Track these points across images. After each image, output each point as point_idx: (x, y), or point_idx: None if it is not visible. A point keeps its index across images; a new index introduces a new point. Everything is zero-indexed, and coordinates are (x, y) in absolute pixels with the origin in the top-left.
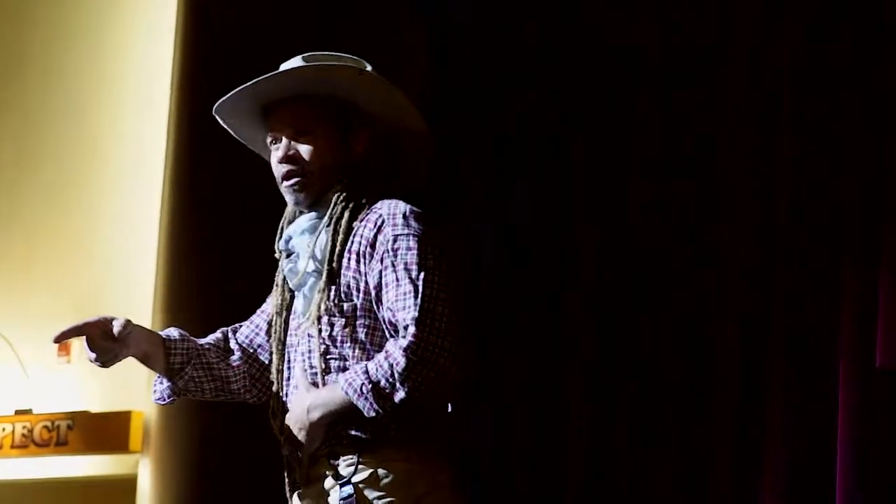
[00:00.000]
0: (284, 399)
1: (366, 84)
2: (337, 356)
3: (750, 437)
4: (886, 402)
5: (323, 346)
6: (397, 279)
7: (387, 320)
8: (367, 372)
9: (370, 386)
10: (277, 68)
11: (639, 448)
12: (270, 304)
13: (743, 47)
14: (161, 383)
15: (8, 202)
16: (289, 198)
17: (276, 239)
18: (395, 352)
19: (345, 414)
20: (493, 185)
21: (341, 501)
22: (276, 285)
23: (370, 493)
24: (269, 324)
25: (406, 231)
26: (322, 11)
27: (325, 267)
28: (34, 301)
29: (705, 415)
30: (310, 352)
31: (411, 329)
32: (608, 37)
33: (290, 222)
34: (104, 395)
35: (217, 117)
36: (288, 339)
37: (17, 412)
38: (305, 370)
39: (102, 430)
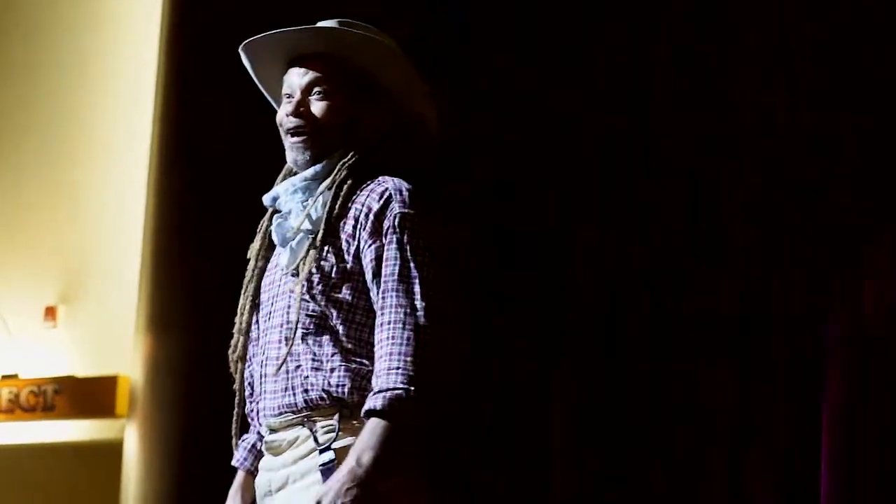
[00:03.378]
0: (260, 356)
1: (395, 62)
2: (318, 315)
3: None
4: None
5: (304, 303)
6: (399, 259)
7: (380, 291)
8: (386, 388)
9: (402, 393)
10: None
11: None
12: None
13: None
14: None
15: None
16: (290, 153)
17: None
18: (398, 345)
19: (392, 439)
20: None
21: (321, 467)
22: (258, 231)
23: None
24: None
25: (413, 212)
26: None
27: (322, 226)
28: (19, 266)
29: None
30: (289, 307)
31: (420, 315)
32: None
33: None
34: (90, 359)
35: (242, 54)
36: (262, 293)
37: (4, 377)
38: (282, 325)
39: (89, 395)
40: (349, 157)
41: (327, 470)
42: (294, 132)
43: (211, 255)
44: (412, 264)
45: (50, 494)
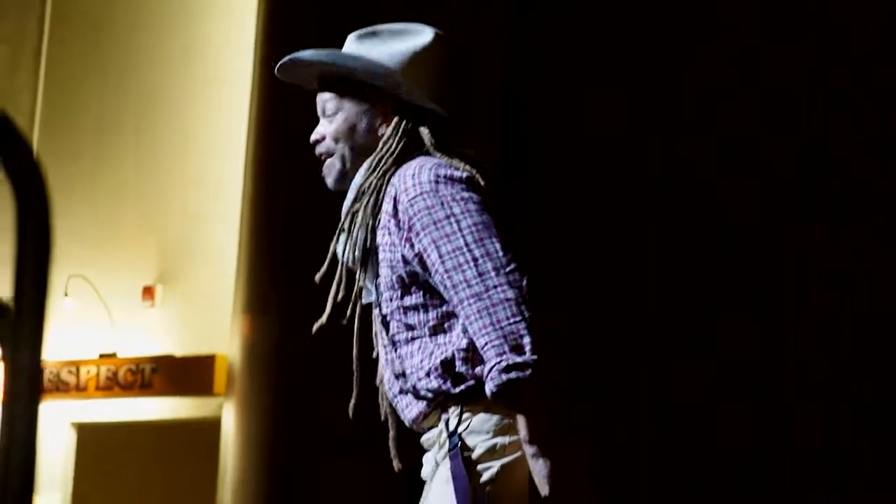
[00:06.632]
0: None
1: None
2: (402, 327)
3: None
4: None
5: (386, 323)
6: (433, 244)
7: (438, 281)
8: (488, 371)
9: (502, 371)
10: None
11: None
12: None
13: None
14: None
15: (94, 155)
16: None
17: None
18: (475, 322)
19: (531, 410)
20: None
21: (450, 452)
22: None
23: (469, 440)
24: None
25: (419, 192)
26: None
27: (359, 256)
28: (118, 247)
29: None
30: (381, 330)
31: (476, 284)
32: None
33: None
34: (188, 339)
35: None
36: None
37: (102, 356)
38: (385, 346)
39: (186, 374)
40: (367, 176)
41: (454, 455)
42: (317, 158)
43: (308, 236)
44: (446, 240)
45: (150, 470)
